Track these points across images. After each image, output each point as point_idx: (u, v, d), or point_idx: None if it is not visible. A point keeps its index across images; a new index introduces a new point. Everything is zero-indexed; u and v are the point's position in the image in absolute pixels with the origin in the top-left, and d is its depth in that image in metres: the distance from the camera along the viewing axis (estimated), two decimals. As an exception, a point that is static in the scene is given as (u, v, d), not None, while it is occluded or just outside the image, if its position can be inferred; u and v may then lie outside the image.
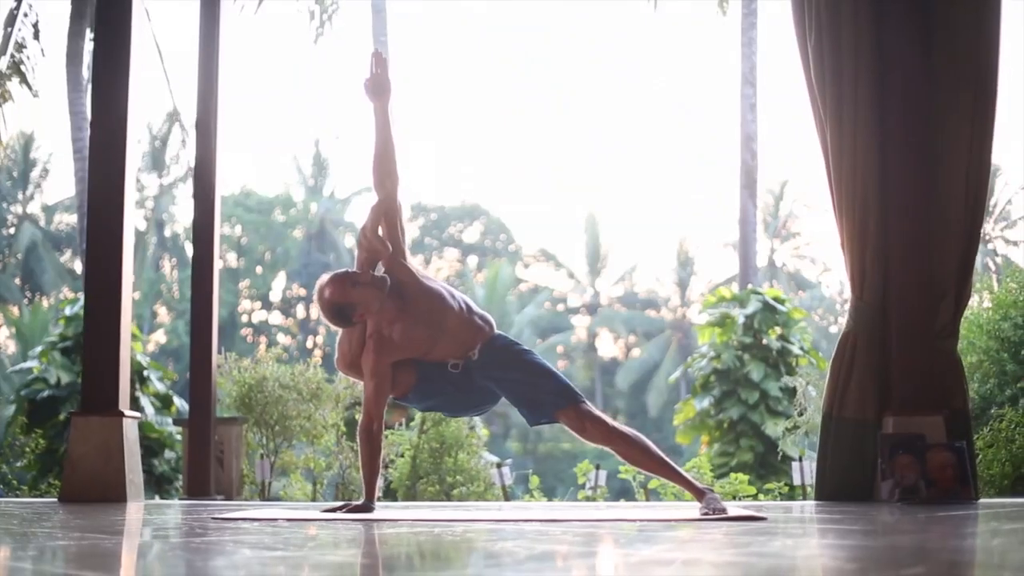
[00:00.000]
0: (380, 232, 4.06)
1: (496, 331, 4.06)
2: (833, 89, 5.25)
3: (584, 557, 2.45)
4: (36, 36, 13.87)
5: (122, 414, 5.34)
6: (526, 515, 3.99)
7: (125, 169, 5.39)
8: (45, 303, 29.94)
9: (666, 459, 3.93)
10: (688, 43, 45.00)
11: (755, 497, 7.25)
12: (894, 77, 5.26)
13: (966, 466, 4.91)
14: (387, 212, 4.06)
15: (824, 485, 5.30)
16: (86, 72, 14.11)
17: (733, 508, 3.96)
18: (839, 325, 34.81)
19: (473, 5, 39.84)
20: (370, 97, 4.10)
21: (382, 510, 4.28)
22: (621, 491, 9.37)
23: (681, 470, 3.98)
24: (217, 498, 6.39)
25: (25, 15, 13.83)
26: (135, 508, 4.69)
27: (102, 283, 5.38)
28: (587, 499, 7.19)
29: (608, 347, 35.30)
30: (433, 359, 3.98)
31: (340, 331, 4.08)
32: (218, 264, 6.60)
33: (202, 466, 6.40)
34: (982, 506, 4.59)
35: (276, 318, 34.17)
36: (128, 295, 5.42)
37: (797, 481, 6.74)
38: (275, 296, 34.07)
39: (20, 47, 13.83)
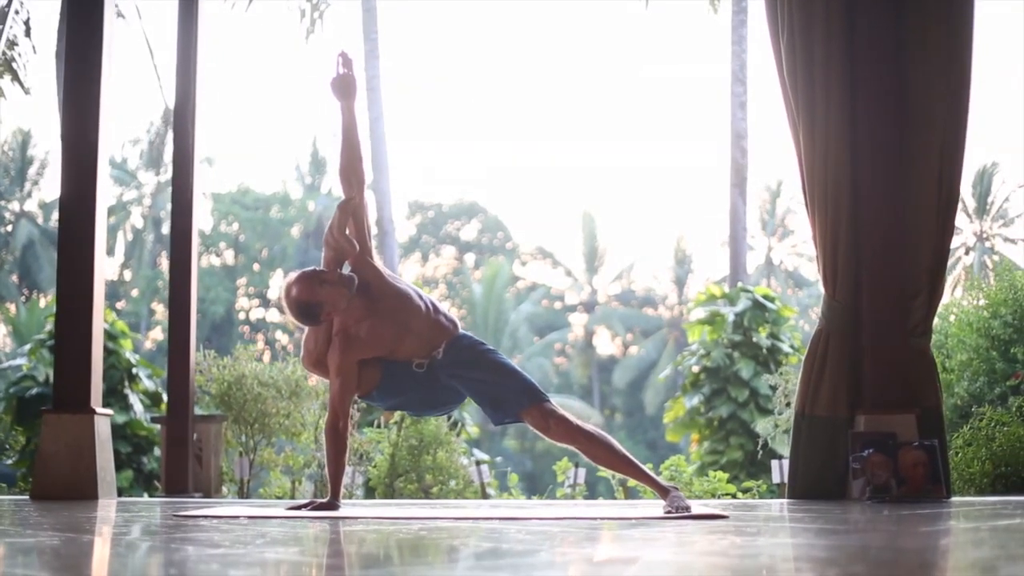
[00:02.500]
0: (347, 231, 4.06)
1: (461, 331, 4.07)
2: (805, 87, 5.24)
3: (524, 556, 2.45)
4: (28, 33, 13.85)
5: (94, 411, 5.34)
6: (488, 513, 3.99)
7: (97, 167, 5.40)
8: (42, 301, 29.96)
9: (631, 457, 3.94)
10: (681, 40, 44.99)
11: (735, 496, 7.24)
12: (866, 74, 5.25)
13: (937, 464, 4.90)
14: (355, 211, 4.07)
15: (796, 483, 5.30)
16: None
17: (697, 507, 3.97)
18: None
19: (467, 4, 39.82)
20: (337, 96, 4.13)
21: (348, 508, 4.28)
22: (604, 489, 9.37)
23: (645, 468, 3.99)
24: (195, 496, 6.39)
25: (16, 12, 13.82)
26: (103, 506, 4.69)
27: (74, 282, 5.39)
28: (565, 497, 7.19)
29: (605, 345, 35.31)
30: (398, 358, 3.99)
31: (306, 329, 4.08)
32: (196, 262, 6.60)
33: (180, 464, 6.40)
34: (953, 504, 4.59)
35: (273, 315, 34.18)
36: (100, 294, 5.43)
37: (777, 479, 6.73)
38: (273, 294, 34.09)
39: (12, 44, 13.82)
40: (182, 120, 6.56)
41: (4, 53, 13.98)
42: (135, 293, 32.40)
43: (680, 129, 45.28)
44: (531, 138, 44.57)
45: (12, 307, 29.55)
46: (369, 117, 15.08)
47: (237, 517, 3.72)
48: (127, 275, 32.62)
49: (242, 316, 33.81)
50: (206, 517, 3.73)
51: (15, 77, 14.12)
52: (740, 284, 13.34)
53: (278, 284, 34.63)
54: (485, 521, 3.56)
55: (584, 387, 33.75)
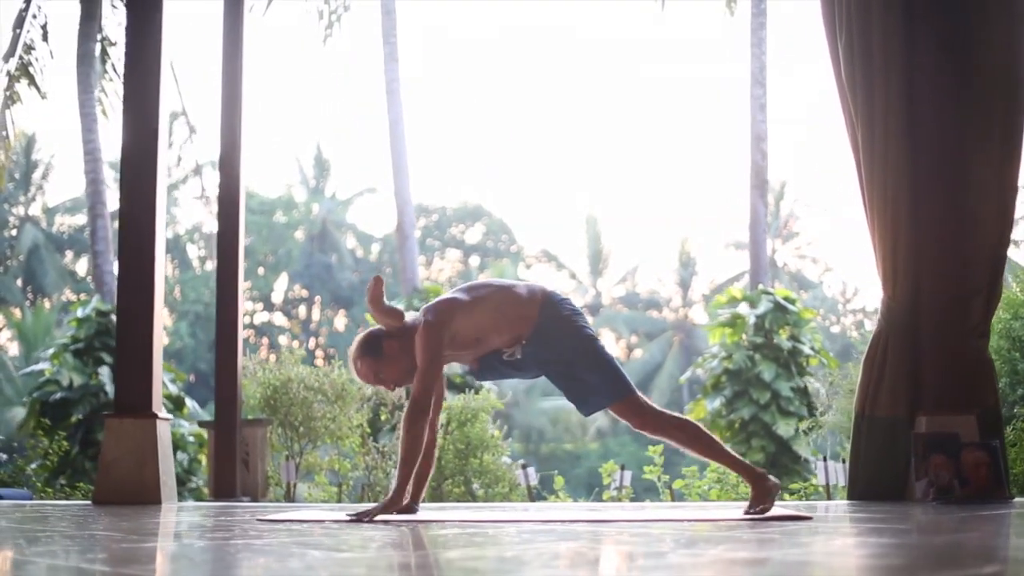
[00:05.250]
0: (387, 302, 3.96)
1: (540, 316, 3.84)
2: (864, 88, 5.25)
3: (654, 557, 2.46)
4: (45, 38, 13.87)
5: (156, 416, 5.34)
6: (570, 516, 3.99)
7: (157, 172, 5.40)
8: (47, 304, 29.92)
9: (721, 444, 3.89)
10: (694, 43, 44.99)
11: (780, 497, 7.23)
12: (925, 76, 5.26)
13: (1000, 465, 4.92)
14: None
15: (856, 484, 5.30)
16: (95, 74, 14.09)
17: (775, 508, 3.97)
18: (841, 325, 34.65)
19: (480, 5, 39.83)
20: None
21: (424, 511, 4.24)
22: (644, 491, 9.37)
23: (736, 454, 3.94)
24: (243, 499, 6.38)
25: (34, 16, 13.83)
26: (173, 510, 4.69)
27: (135, 285, 5.38)
28: (612, 499, 7.19)
29: (610, 347, 35.14)
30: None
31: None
32: (242, 269, 6.61)
33: (228, 468, 6.40)
34: (1018, 505, 4.60)
35: (278, 319, 34.17)
36: (160, 297, 5.43)
37: (822, 481, 6.75)
38: (277, 297, 34.06)
39: (29, 49, 13.84)
40: (229, 131, 6.57)
41: (21, 58, 14.00)
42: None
43: (684, 131, 45.31)
44: (535, 140, 44.60)
45: (17, 311, 29.50)
46: (389, 120, 15.06)
47: (322, 521, 3.72)
48: (131, 279, 32.52)
49: (247, 320, 33.77)
50: (292, 521, 3.73)
51: (32, 81, 14.14)
52: (761, 286, 13.37)
53: (282, 288, 34.67)
54: (572, 524, 3.55)
55: (589, 390, 33.66)
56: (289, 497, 6.82)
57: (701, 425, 3.91)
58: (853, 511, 4.32)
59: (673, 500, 7.08)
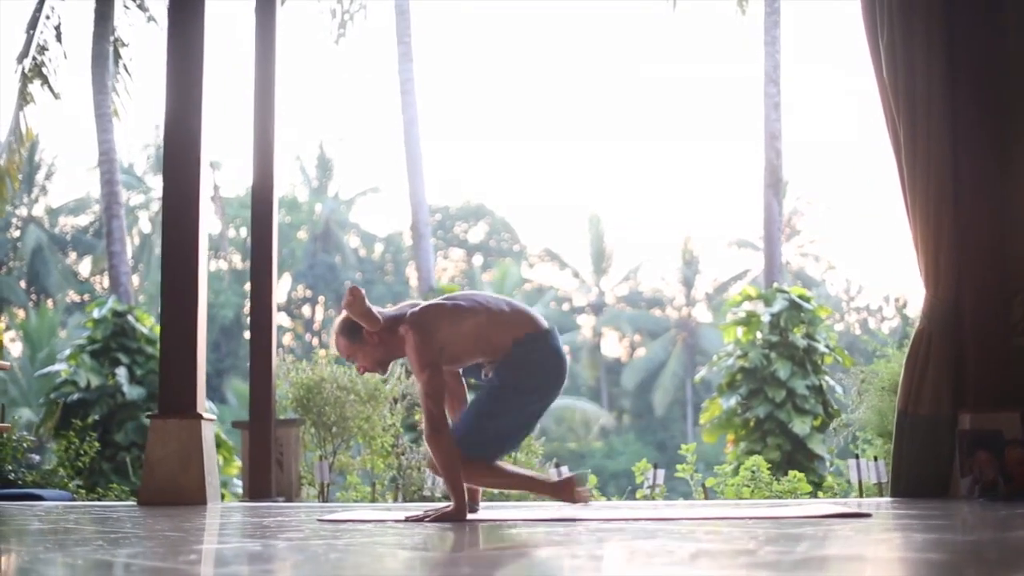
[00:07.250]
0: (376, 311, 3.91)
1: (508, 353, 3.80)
2: (906, 87, 5.27)
3: (746, 555, 2.46)
4: (59, 38, 13.86)
5: (200, 416, 5.34)
6: (624, 514, 4.00)
7: (200, 173, 5.40)
8: (50, 305, 29.90)
9: (510, 467, 4.03)
10: (705, 42, 45.02)
11: (814, 494, 7.25)
12: (966, 75, 5.28)
13: (1044, 462, 4.93)
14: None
15: (899, 482, 5.32)
16: (109, 75, 14.08)
17: (827, 506, 3.99)
18: (845, 323, 34.55)
19: (491, 5, 39.82)
20: None
21: (485, 511, 4.24)
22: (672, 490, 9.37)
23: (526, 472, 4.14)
24: (278, 499, 6.38)
25: (47, 17, 13.82)
26: (224, 511, 4.69)
27: (179, 285, 5.38)
28: (645, 498, 7.19)
29: (613, 346, 35.32)
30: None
31: None
32: (276, 271, 6.61)
33: (263, 468, 6.40)
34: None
35: (282, 319, 34.15)
36: (204, 297, 5.42)
37: (854, 478, 6.76)
38: (281, 297, 34.05)
39: (42, 49, 13.83)
40: (262, 135, 6.58)
41: (34, 58, 13.98)
42: (142, 299, 32.30)
43: (686, 130, 45.35)
44: (537, 139, 44.61)
45: (21, 312, 29.47)
46: (404, 120, 15.04)
47: (384, 521, 3.73)
48: (135, 280, 32.52)
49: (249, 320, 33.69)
50: (353, 521, 3.74)
51: (45, 82, 14.13)
52: (776, 284, 13.39)
53: (286, 288, 34.65)
54: (635, 522, 3.56)
55: (592, 389, 33.77)
56: (323, 497, 6.81)
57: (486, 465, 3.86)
58: (904, 508, 4.33)
59: (706, 498, 7.10)
